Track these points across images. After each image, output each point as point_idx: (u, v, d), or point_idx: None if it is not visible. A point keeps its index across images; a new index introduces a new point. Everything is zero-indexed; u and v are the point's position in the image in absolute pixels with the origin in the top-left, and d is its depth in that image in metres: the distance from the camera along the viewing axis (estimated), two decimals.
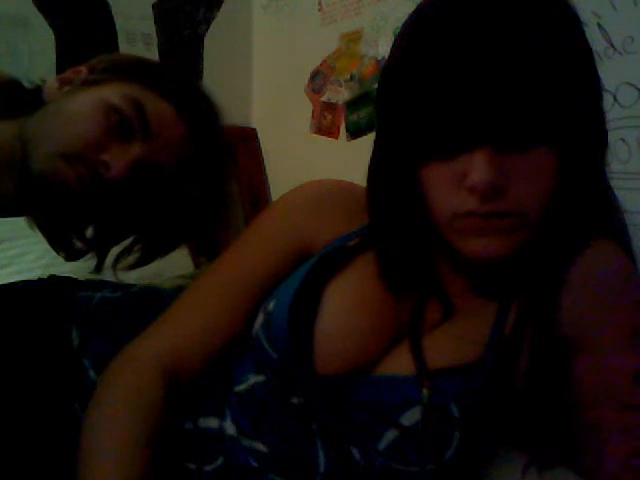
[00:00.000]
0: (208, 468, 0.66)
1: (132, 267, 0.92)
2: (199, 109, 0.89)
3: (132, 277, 1.41)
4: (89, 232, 0.93)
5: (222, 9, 2.05)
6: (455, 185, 0.56)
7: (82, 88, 0.85)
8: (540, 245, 0.61)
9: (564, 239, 0.62)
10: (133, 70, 0.88)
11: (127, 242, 0.94)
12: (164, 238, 0.93)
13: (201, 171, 0.88)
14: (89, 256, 0.92)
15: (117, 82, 0.84)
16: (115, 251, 0.94)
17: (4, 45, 1.50)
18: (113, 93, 0.82)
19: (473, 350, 0.62)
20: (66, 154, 0.80)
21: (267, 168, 2.11)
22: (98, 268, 0.92)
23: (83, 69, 0.89)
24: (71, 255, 0.92)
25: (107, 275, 1.03)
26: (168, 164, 0.84)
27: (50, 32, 1.61)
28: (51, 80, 0.89)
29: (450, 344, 0.63)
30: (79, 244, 0.92)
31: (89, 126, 0.80)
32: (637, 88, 1.18)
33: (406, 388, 0.61)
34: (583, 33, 0.58)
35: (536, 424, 0.64)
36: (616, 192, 0.67)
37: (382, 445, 0.61)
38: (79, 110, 0.82)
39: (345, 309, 0.65)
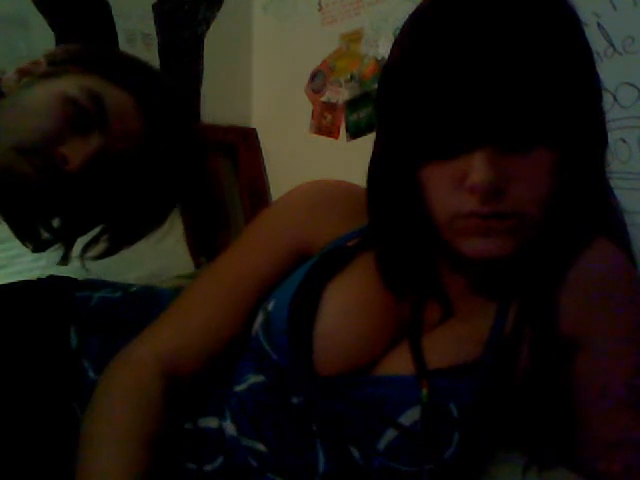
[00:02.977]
0: (208, 468, 0.66)
1: (100, 257, 0.92)
2: (160, 99, 0.88)
3: (131, 277, 1.41)
4: (56, 222, 0.92)
5: (222, 9, 2.05)
6: (455, 186, 0.56)
7: (40, 80, 0.84)
8: (539, 245, 0.61)
9: (564, 239, 0.62)
10: (92, 61, 0.87)
11: (95, 232, 0.93)
12: (130, 227, 0.93)
13: (163, 159, 0.87)
14: (56, 246, 0.92)
15: (76, 74, 0.83)
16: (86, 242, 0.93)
17: (4, 45, 1.50)
18: (71, 85, 0.81)
19: (472, 350, 0.62)
20: (22, 148, 0.78)
21: (267, 168, 2.12)
22: (65, 258, 0.92)
23: (42, 60, 0.87)
24: (38, 246, 0.91)
25: (107, 275, 1.03)
26: (128, 154, 0.83)
27: (50, 32, 1.60)
28: (9, 72, 0.88)
29: (449, 344, 0.63)
30: (46, 235, 0.91)
31: (46, 119, 0.79)
32: (637, 88, 1.18)
33: (405, 388, 0.61)
34: (583, 33, 0.57)
35: (536, 424, 0.64)
36: (616, 192, 0.67)
37: (381, 445, 0.61)
38: (36, 103, 0.81)
39: (345, 309, 0.65)
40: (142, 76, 0.89)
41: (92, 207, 0.88)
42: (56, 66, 0.86)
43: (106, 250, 0.91)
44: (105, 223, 0.92)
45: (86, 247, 0.91)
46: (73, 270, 0.95)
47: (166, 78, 0.94)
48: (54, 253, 0.94)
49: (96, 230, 0.92)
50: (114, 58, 0.91)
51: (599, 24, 1.21)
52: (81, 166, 0.80)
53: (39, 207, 0.85)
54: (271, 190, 2.10)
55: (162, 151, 0.86)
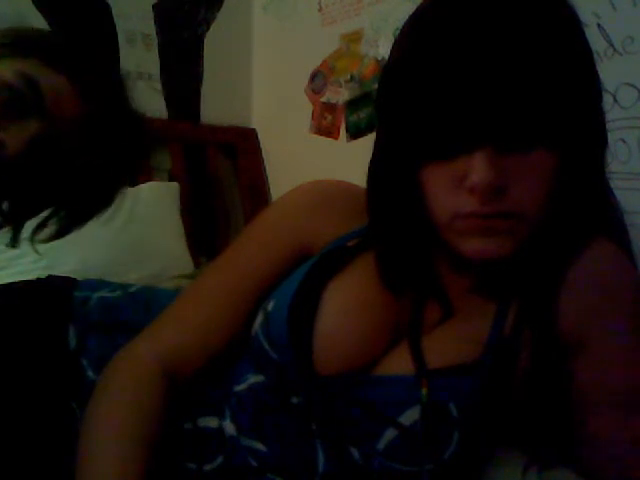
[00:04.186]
0: (208, 468, 0.66)
1: (49, 239, 0.92)
2: (98, 81, 0.87)
3: (132, 278, 1.41)
4: (4, 206, 0.92)
5: (222, 9, 2.05)
6: (455, 186, 0.56)
7: None
8: (539, 245, 0.61)
9: (563, 239, 0.62)
10: (28, 44, 0.86)
11: (43, 215, 0.93)
12: (78, 208, 0.93)
13: (105, 140, 0.87)
14: (5, 229, 0.92)
15: (11, 57, 0.82)
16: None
17: None
18: (5, 69, 0.80)
19: (472, 350, 0.62)
20: None
21: (267, 168, 2.12)
22: (14, 241, 0.92)
23: None
24: None
25: (107, 275, 1.03)
26: (70, 136, 0.83)
27: None
28: None
29: (449, 344, 0.63)
30: None
31: None
32: (637, 88, 1.18)
33: (405, 388, 0.61)
34: (583, 34, 0.57)
35: (536, 424, 0.64)
36: (616, 192, 0.67)
37: (381, 445, 0.61)
38: None
39: (344, 309, 0.65)
40: (79, 59, 0.88)
41: (38, 190, 0.87)
42: None
43: (55, 233, 0.91)
44: (52, 205, 0.92)
45: (35, 230, 0.91)
46: (72, 271, 0.95)
47: (107, 59, 0.93)
48: (53, 254, 0.94)
49: (44, 213, 0.92)
50: (50, 41, 0.91)
51: (599, 24, 1.21)
52: (19, 151, 0.80)
53: None
54: (271, 190, 2.10)
55: (104, 132, 0.86)
